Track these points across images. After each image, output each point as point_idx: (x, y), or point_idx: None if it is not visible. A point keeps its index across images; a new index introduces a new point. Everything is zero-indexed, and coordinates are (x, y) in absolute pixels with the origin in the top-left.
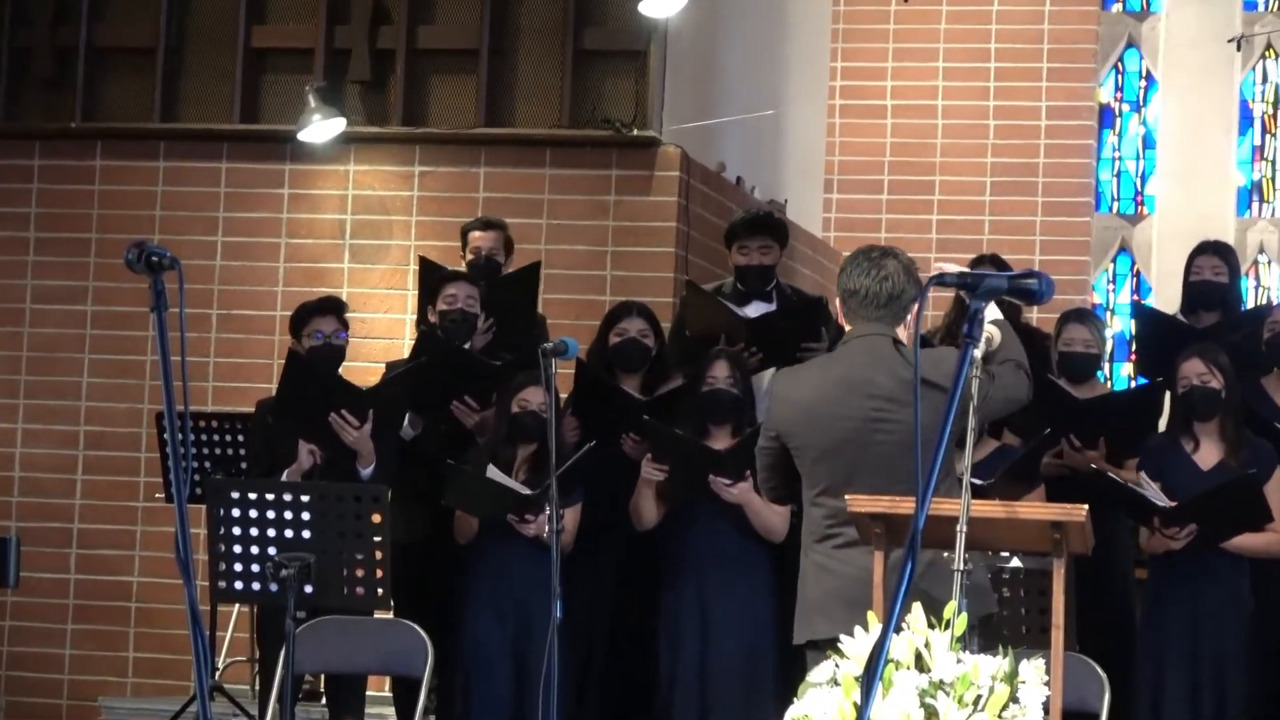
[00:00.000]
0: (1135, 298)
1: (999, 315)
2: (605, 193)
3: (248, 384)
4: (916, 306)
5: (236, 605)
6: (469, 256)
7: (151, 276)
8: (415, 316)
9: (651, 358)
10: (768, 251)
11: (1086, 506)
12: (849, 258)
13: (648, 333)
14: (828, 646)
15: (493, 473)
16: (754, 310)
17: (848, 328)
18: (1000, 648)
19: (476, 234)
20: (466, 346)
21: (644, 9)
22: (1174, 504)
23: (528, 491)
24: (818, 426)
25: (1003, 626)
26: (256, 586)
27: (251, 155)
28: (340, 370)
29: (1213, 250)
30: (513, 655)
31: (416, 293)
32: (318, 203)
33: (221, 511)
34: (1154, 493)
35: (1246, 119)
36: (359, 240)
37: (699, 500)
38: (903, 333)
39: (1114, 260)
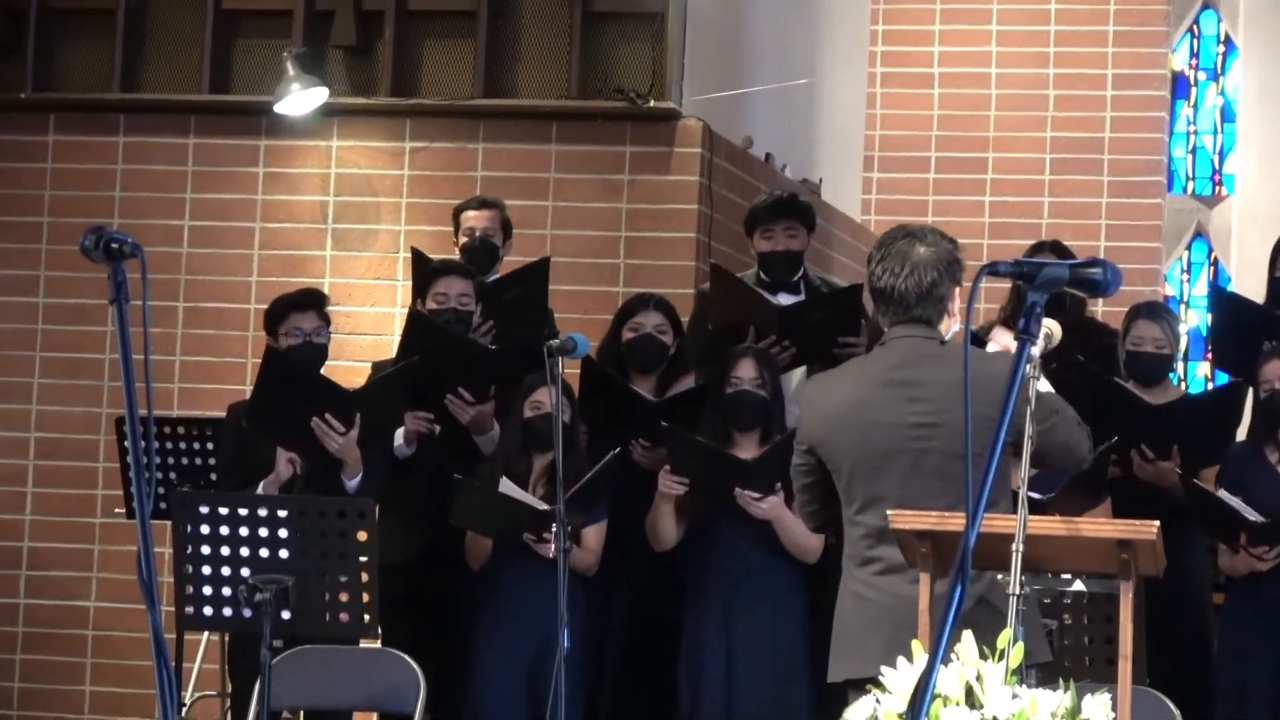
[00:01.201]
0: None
1: (1049, 387)
2: (618, 171)
3: (218, 385)
4: (968, 301)
5: (206, 633)
6: (462, 239)
7: (111, 265)
8: (405, 311)
9: (669, 357)
10: (795, 235)
11: (1157, 523)
12: (874, 250)
13: (665, 329)
14: (868, 685)
15: (506, 486)
16: (782, 302)
17: (884, 327)
18: (1061, 681)
19: (470, 214)
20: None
21: None
22: (1265, 520)
23: (545, 506)
24: (853, 433)
25: (1064, 657)
26: (228, 612)
27: (222, 130)
28: (323, 371)
29: None
30: (529, 691)
31: (409, 284)
32: (296, 183)
33: (189, 528)
34: (1242, 506)
35: None
36: (343, 224)
37: (723, 516)
38: (947, 324)
39: (1189, 247)
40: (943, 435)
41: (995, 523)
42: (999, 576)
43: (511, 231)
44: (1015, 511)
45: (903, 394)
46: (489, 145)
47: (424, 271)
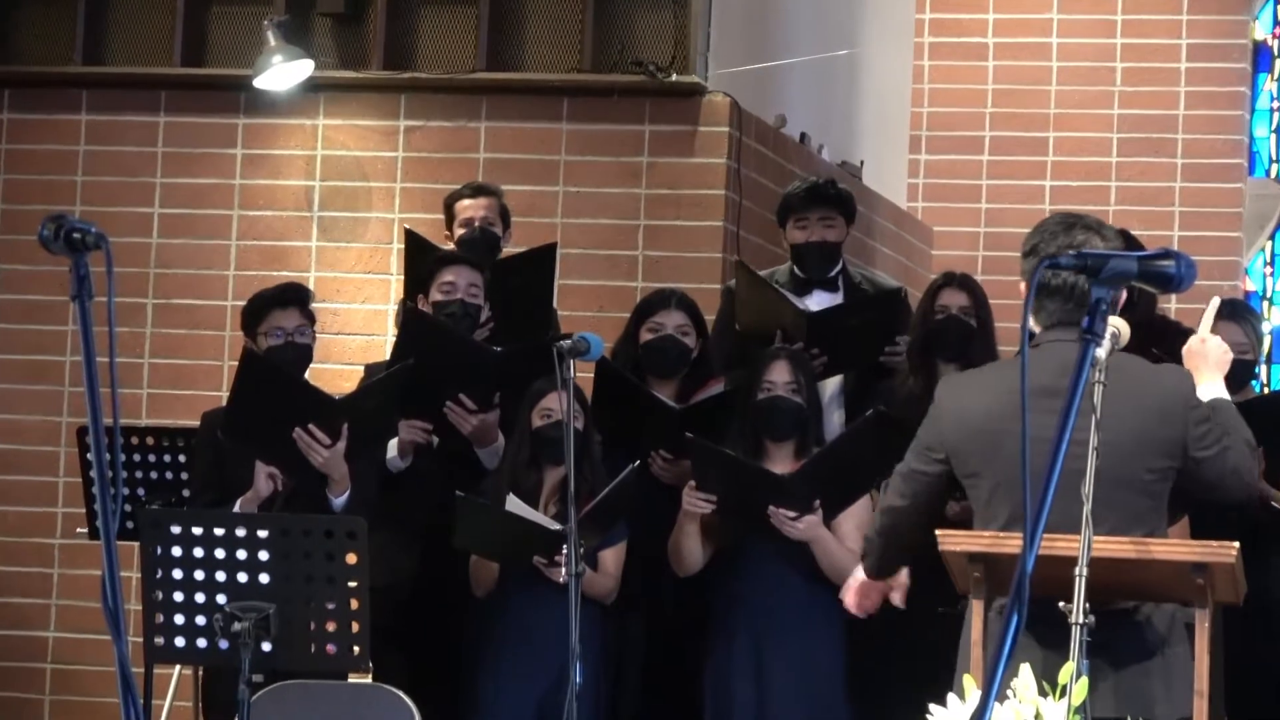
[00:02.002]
0: None
1: (1223, 393)
2: (636, 153)
3: (192, 391)
4: (1025, 300)
5: (178, 667)
6: (459, 231)
7: (72, 257)
8: (399, 308)
9: (691, 360)
10: (832, 225)
11: (1237, 545)
12: (1036, 239)
13: (688, 329)
14: None
15: (514, 504)
16: (817, 302)
17: (1036, 328)
18: (1129, 718)
19: (465, 203)
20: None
21: None
22: None
23: (557, 526)
24: (996, 448)
25: None
26: (202, 643)
27: (196, 107)
28: (307, 375)
29: None
30: None
31: (401, 277)
32: (279, 166)
33: (159, 550)
34: None
35: None
36: (330, 212)
37: (755, 537)
38: (1114, 327)
39: (1272, 237)
40: (1101, 455)
41: (1056, 544)
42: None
43: (511, 220)
44: (1159, 531)
45: (1055, 406)
46: (492, 124)
47: (425, 259)
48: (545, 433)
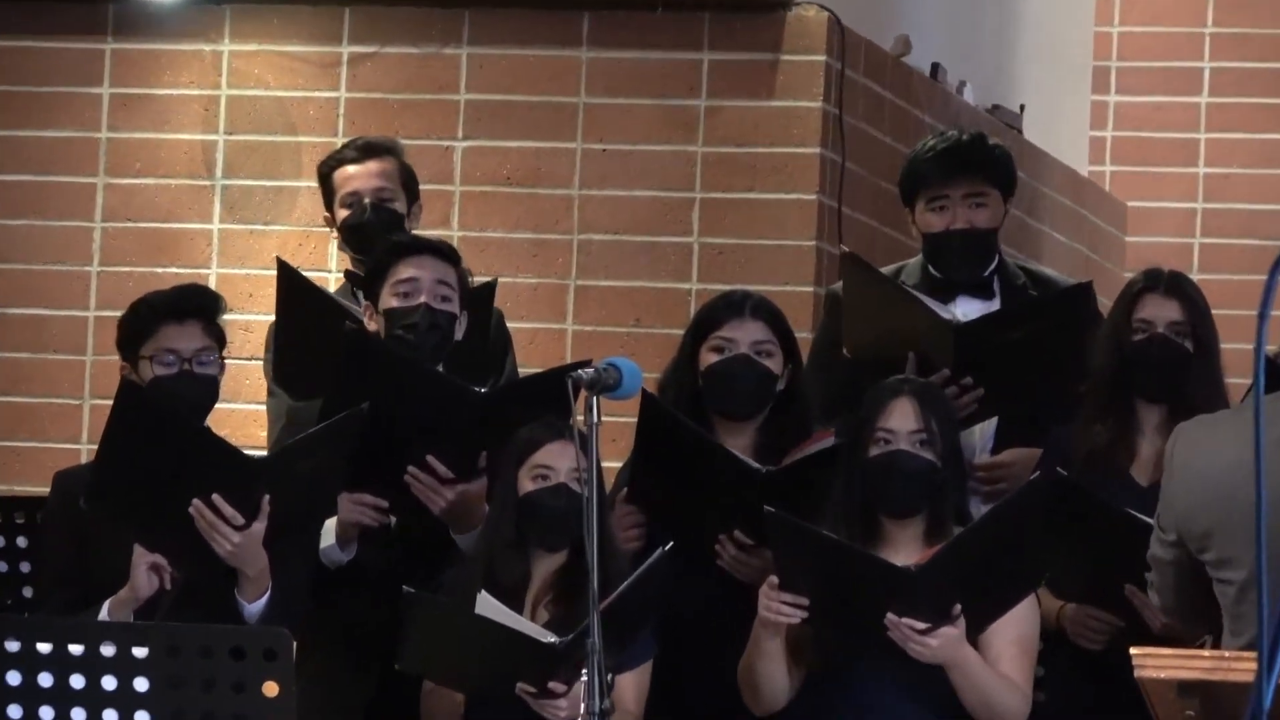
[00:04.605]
0: None
1: None
2: (690, 94)
3: (37, 443)
4: (1261, 307)
5: None
6: (341, 212)
7: None
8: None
9: (777, 393)
10: (983, 203)
11: None
12: None
13: (771, 348)
14: None
15: (488, 606)
16: (963, 313)
17: None
18: None
19: (348, 170)
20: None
21: None
22: None
23: (554, 639)
24: (1246, 524)
25: None
26: None
27: (46, 25)
28: (209, 420)
29: None
30: None
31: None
32: (165, 112)
33: None
34: None
35: None
36: (240, 180)
37: (863, 658)
38: None
39: None
40: None
41: None
42: None
43: (418, 188)
44: None
45: None
46: (478, 50)
47: (307, 304)
48: (539, 500)
